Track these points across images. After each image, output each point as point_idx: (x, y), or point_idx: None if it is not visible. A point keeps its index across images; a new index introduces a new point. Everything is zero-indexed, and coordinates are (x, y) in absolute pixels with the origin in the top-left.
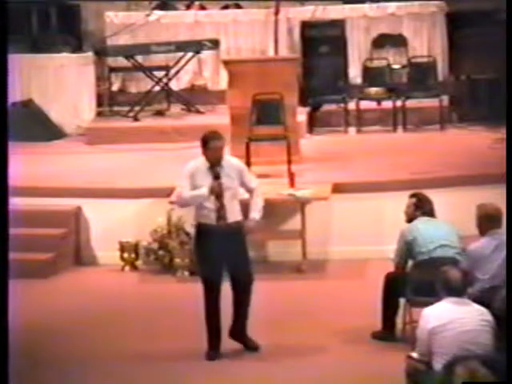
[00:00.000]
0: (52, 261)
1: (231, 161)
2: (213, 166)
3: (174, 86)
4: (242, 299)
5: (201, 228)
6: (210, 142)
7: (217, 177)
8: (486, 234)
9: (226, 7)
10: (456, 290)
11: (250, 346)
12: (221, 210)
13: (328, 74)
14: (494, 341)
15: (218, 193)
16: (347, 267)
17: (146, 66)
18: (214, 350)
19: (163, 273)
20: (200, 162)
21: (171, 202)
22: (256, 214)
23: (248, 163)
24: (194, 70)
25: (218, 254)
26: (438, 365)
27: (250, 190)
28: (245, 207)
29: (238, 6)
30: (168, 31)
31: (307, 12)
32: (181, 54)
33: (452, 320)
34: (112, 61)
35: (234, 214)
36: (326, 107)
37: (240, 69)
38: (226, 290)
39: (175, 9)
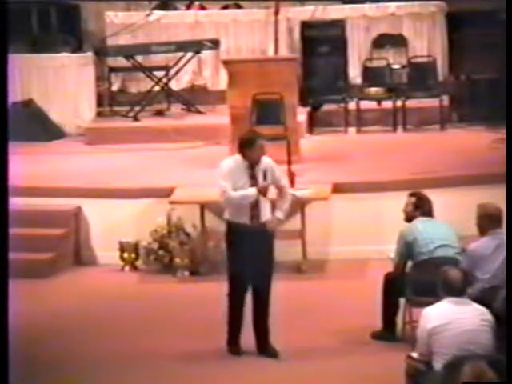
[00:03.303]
0: (52, 261)
1: (265, 159)
2: (251, 166)
3: (174, 85)
4: (260, 299)
5: (234, 227)
6: (256, 142)
7: (253, 177)
8: (486, 233)
9: (225, 7)
10: (456, 290)
11: (268, 352)
12: (255, 209)
13: (328, 73)
14: (493, 341)
15: (264, 193)
16: (347, 267)
17: (146, 66)
18: (236, 345)
19: (163, 273)
20: (237, 160)
21: (172, 202)
22: (280, 213)
23: None
24: (193, 70)
25: (250, 253)
26: (438, 365)
27: (279, 188)
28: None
29: (238, 6)
30: (168, 31)
31: (307, 12)
32: (181, 54)
33: (452, 320)
34: (112, 61)
35: (266, 213)
36: (326, 107)
37: (240, 69)
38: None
39: (175, 9)
